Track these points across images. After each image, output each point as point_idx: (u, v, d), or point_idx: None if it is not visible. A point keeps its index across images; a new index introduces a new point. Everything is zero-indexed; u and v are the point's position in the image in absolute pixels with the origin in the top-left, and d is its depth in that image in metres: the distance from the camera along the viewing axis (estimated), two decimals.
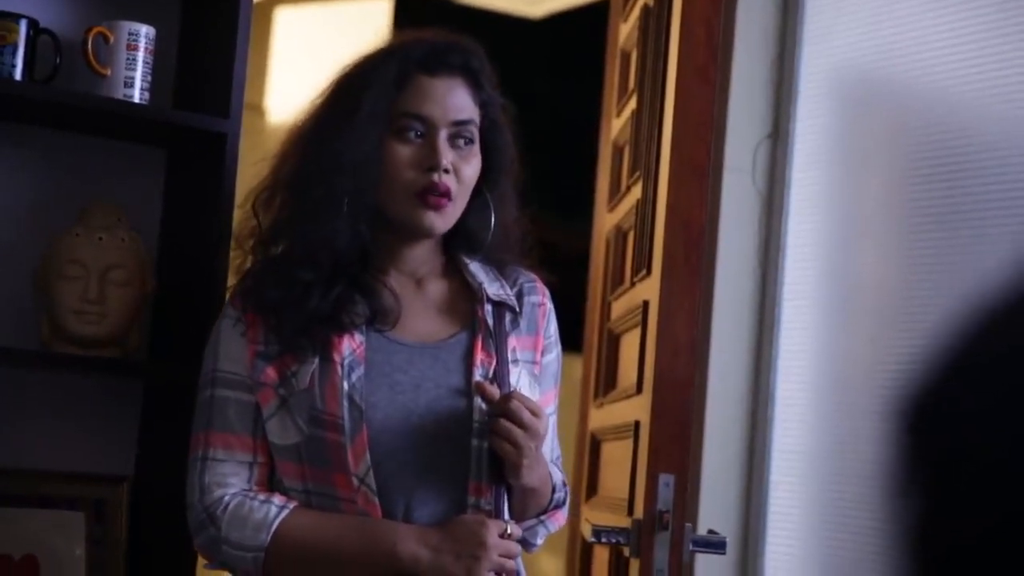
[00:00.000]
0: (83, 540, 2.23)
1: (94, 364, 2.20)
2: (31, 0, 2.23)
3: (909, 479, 0.75)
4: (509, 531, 1.81)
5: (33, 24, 2.15)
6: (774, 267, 2.94)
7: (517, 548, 1.83)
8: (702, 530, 2.69)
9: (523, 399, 1.81)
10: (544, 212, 2.08)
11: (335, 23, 5.04)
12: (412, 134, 1.88)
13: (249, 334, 1.87)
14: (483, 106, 1.93)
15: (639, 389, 2.47)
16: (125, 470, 2.31)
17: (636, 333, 2.55)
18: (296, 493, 1.84)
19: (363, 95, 1.87)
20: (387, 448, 1.80)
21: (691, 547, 2.35)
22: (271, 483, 1.87)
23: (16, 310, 2.25)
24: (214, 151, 2.18)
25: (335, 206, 1.85)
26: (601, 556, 2.77)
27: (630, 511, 2.40)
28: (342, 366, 1.82)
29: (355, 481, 1.79)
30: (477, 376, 1.86)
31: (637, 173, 2.72)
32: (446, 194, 1.86)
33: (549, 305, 2.01)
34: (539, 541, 1.94)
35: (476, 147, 1.91)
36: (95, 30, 2.17)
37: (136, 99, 2.17)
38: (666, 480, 2.32)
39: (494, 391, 1.82)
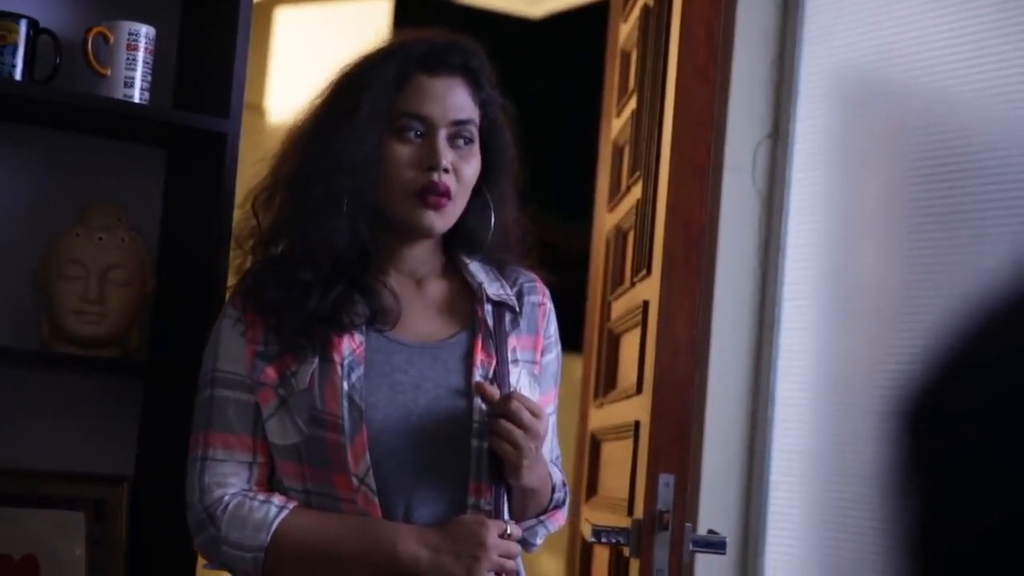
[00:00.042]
0: (83, 540, 2.23)
1: (94, 364, 2.20)
2: (31, 0, 2.23)
3: (909, 479, 0.75)
4: (509, 531, 1.81)
5: (33, 24, 2.15)
6: (774, 267, 2.94)
7: (517, 548, 1.83)
8: (702, 530, 2.69)
9: (523, 400, 1.80)
10: (544, 212, 2.08)
11: (335, 23, 5.05)
12: (412, 134, 1.88)
13: (249, 334, 1.87)
14: (483, 106, 1.93)
15: (639, 389, 2.47)
16: (125, 470, 2.31)
17: (636, 333, 2.55)
18: (296, 493, 1.84)
19: (363, 95, 1.87)
20: (387, 448, 1.80)
21: (691, 547, 2.35)
22: (271, 483, 1.87)
23: (16, 310, 2.25)
24: (214, 151, 2.18)
25: (335, 206, 1.85)
26: (601, 556, 2.77)
27: (630, 511, 2.40)
28: (342, 366, 1.82)
29: (355, 481, 1.79)
30: (477, 376, 1.86)
31: (637, 173, 2.72)
32: (446, 193, 1.86)
33: (549, 305, 2.01)
34: (539, 541, 1.94)
35: (476, 147, 1.91)
36: (95, 30, 2.17)
37: (136, 99, 2.17)
38: (666, 480, 2.32)
39: (494, 391, 1.82)
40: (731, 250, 2.95)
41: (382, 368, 1.84)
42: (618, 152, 3.08)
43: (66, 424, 2.31)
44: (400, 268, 1.94)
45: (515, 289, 1.97)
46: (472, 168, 1.90)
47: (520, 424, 1.78)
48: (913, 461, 0.75)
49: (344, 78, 1.93)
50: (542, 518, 1.92)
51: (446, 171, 1.86)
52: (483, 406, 1.83)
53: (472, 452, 1.82)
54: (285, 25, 4.95)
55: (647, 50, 2.74)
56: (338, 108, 1.89)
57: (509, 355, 1.91)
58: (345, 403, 1.80)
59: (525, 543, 1.91)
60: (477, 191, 1.93)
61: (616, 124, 3.13)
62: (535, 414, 1.80)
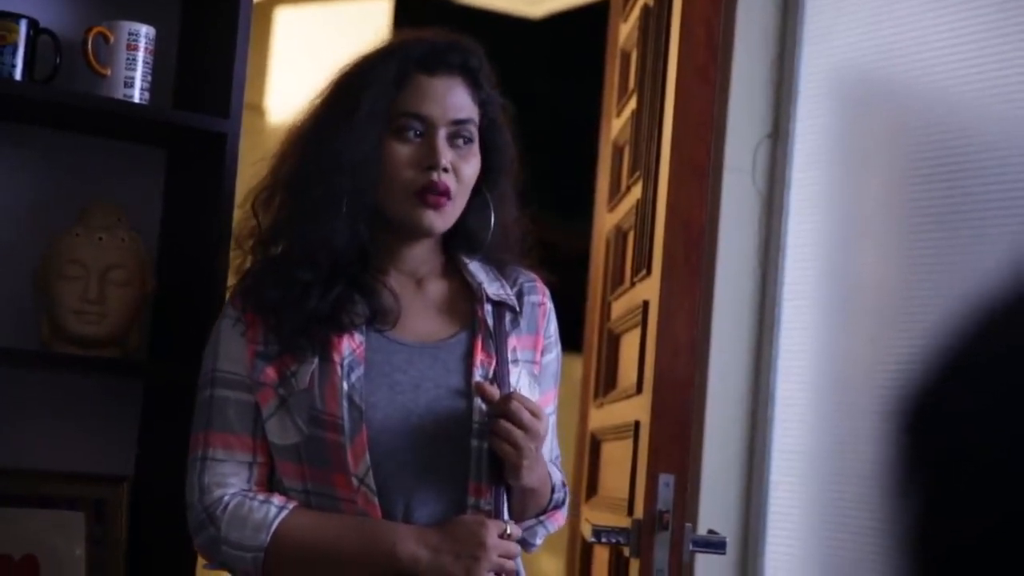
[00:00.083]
0: (83, 540, 2.23)
1: (94, 364, 2.21)
2: (31, 0, 2.23)
3: (908, 479, 0.75)
4: (508, 531, 1.81)
5: (33, 24, 2.15)
6: (774, 267, 2.94)
7: (516, 548, 1.83)
8: (702, 530, 2.69)
9: (523, 400, 1.80)
10: (544, 212, 2.08)
11: (335, 23, 5.05)
12: (411, 133, 1.88)
13: (249, 334, 1.87)
14: (482, 105, 1.93)
15: (639, 389, 2.47)
16: (125, 470, 2.31)
17: (636, 333, 2.55)
18: (296, 493, 1.84)
19: (362, 95, 1.87)
20: (387, 448, 1.80)
21: (691, 547, 2.35)
22: (271, 483, 1.87)
23: (16, 310, 2.25)
24: (214, 151, 2.18)
25: (334, 206, 1.85)
26: (601, 556, 2.77)
27: (630, 511, 2.40)
28: (342, 366, 1.82)
29: (355, 481, 1.79)
30: (477, 376, 1.86)
31: (637, 173, 2.72)
32: (445, 193, 1.86)
33: (549, 305, 2.01)
34: (538, 541, 1.94)
35: (475, 146, 1.91)
36: (95, 30, 2.17)
37: (136, 99, 2.17)
38: (666, 480, 2.32)
39: (494, 391, 1.82)
40: (731, 250, 2.95)
41: (382, 368, 1.84)
42: (618, 152, 3.08)
43: (66, 424, 2.31)
44: (400, 268, 1.94)
45: (515, 289, 1.97)
46: (472, 168, 1.90)
47: (520, 424, 1.78)
48: (913, 461, 0.75)
49: (344, 78, 1.93)
50: (542, 518, 1.92)
51: (446, 171, 1.86)
52: (483, 406, 1.82)
53: (472, 452, 1.82)
54: (285, 25, 4.95)
55: (647, 50, 2.74)
56: (338, 108, 1.89)
57: (509, 355, 1.91)
58: (345, 403, 1.80)
59: (525, 543, 1.91)
60: (477, 191, 1.93)
61: (616, 124, 3.13)
62: (535, 414, 1.80)
